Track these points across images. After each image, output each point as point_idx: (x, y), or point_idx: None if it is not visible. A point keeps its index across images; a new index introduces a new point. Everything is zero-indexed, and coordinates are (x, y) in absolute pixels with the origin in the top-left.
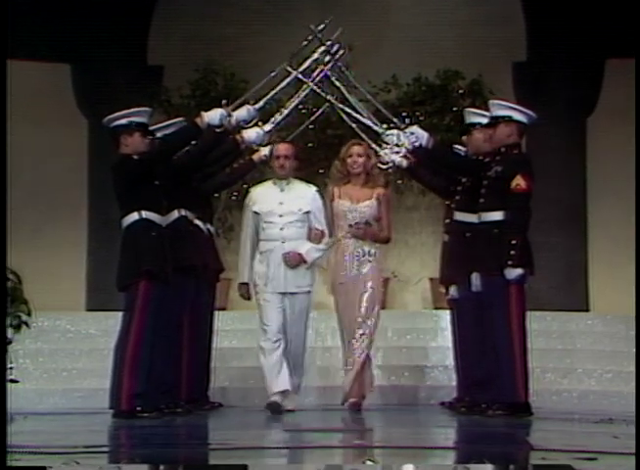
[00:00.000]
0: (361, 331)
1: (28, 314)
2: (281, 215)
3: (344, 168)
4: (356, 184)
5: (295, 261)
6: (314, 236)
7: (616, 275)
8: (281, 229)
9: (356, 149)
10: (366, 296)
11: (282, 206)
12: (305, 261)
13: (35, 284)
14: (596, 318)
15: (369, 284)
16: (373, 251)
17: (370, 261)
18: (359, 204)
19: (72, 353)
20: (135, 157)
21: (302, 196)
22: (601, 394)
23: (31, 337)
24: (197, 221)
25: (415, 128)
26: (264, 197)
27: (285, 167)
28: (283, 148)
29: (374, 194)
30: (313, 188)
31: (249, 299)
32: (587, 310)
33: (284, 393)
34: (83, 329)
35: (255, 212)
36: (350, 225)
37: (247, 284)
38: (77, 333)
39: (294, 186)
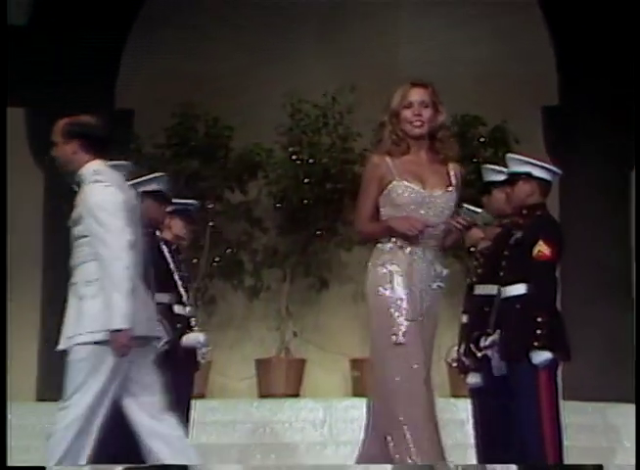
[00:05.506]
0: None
1: None
2: None
3: (398, 128)
4: (419, 156)
5: None
6: None
7: None
8: None
9: (419, 93)
10: (429, 346)
11: None
12: None
13: None
14: None
15: (432, 328)
16: (445, 272)
17: (441, 288)
18: (434, 191)
19: None
20: None
21: None
22: None
23: None
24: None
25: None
26: None
27: None
28: None
29: (451, 175)
30: None
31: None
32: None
33: None
34: None
35: None
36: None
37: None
38: None
39: None
